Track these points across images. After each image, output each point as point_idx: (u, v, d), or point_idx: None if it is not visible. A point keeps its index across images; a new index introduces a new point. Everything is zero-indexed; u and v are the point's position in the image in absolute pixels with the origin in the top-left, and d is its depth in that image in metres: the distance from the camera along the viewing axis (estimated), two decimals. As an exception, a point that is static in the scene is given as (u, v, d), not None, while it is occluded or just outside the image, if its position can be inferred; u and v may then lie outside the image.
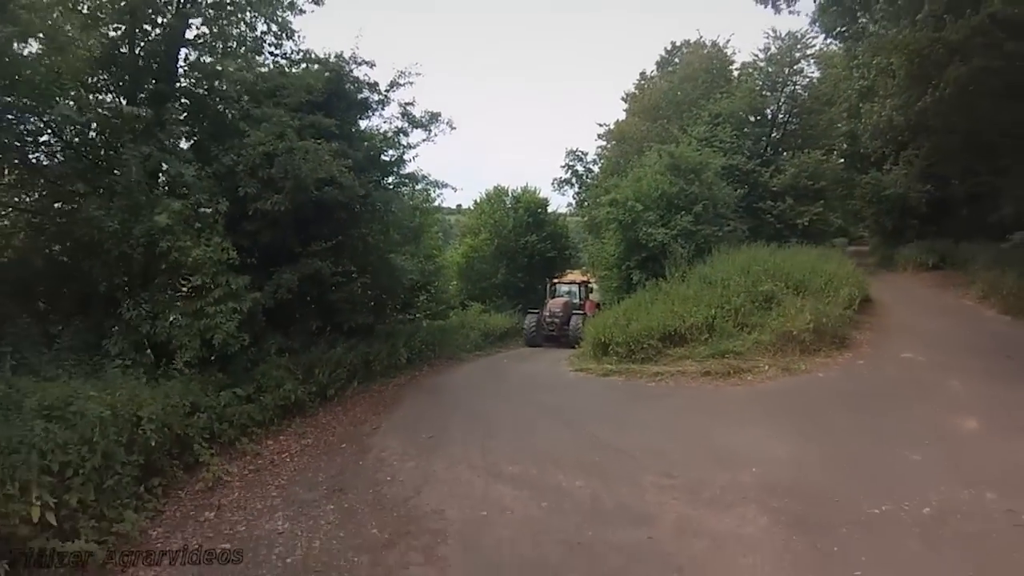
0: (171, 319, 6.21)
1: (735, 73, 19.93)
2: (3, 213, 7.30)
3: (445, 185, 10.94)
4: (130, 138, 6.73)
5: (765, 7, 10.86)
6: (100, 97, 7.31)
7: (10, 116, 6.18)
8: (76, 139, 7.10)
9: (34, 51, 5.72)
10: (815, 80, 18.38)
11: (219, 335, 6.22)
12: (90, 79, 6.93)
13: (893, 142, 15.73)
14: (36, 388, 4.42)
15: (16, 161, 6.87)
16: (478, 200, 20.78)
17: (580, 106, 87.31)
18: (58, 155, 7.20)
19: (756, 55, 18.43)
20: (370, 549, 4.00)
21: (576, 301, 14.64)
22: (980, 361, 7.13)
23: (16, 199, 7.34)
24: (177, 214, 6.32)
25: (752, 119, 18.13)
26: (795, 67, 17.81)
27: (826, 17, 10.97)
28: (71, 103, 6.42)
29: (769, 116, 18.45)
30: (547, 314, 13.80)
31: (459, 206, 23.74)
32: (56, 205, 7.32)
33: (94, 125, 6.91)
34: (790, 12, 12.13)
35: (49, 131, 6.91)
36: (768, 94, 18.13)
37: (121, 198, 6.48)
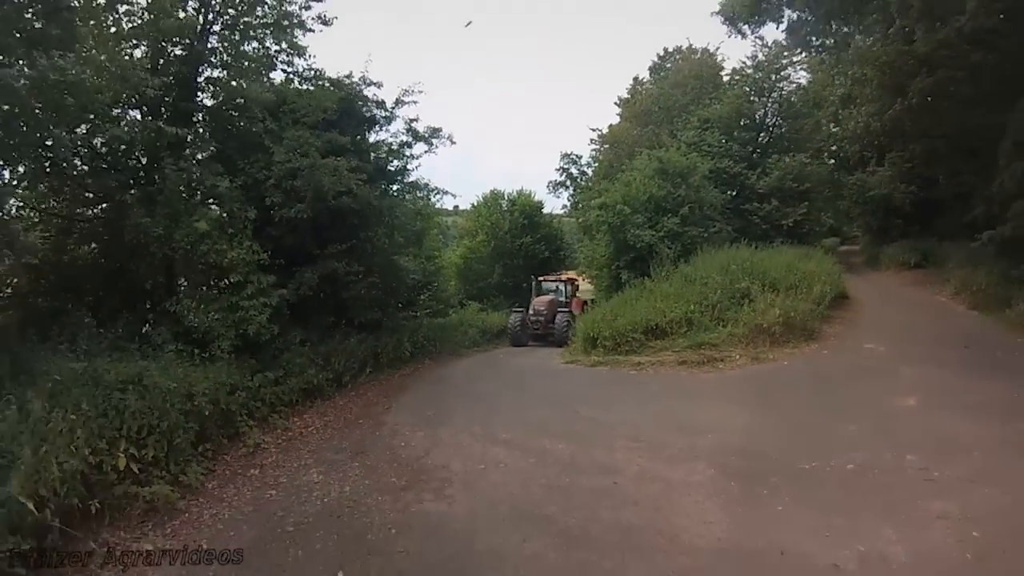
0: (210, 312, 7.13)
1: (724, 79, 20.46)
2: (36, 220, 8.01)
3: (445, 192, 11.74)
4: (168, 153, 7.60)
5: (730, 36, 11.91)
6: (131, 113, 7.91)
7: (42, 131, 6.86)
8: (104, 149, 7.66)
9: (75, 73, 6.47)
10: (803, 84, 18.86)
11: (253, 326, 7.14)
12: (123, 95, 7.49)
13: (872, 146, 16.36)
14: (110, 367, 5.35)
15: (48, 170, 7.41)
16: (475, 203, 21.42)
17: (579, 107, 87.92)
18: (83, 166, 7.75)
19: (744, 62, 18.95)
20: (390, 491, 4.99)
21: (562, 299, 14.34)
22: (938, 351, 7.79)
23: (43, 205, 7.97)
24: (214, 221, 7.24)
25: (741, 123, 18.50)
26: (782, 73, 18.24)
27: (794, 38, 11.93)
28: (95, 118, 6.99)
29: (757, 120, 18.86)
30: (532, 312, 13.43)
31: (456, 207, 24.41)
32: (79, 211, 7.99)
33: (129, 139, 7.56)
34: (755, 37, 13.02)
35: (81, 145, 7.43)
36: (756, 99, 18.56)
37: (163, 207, 7.37)
